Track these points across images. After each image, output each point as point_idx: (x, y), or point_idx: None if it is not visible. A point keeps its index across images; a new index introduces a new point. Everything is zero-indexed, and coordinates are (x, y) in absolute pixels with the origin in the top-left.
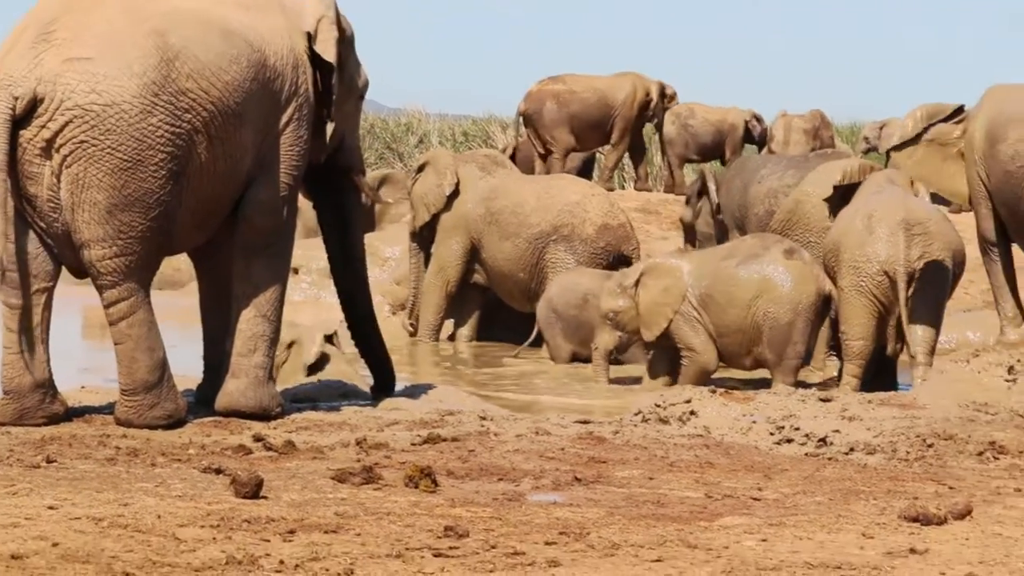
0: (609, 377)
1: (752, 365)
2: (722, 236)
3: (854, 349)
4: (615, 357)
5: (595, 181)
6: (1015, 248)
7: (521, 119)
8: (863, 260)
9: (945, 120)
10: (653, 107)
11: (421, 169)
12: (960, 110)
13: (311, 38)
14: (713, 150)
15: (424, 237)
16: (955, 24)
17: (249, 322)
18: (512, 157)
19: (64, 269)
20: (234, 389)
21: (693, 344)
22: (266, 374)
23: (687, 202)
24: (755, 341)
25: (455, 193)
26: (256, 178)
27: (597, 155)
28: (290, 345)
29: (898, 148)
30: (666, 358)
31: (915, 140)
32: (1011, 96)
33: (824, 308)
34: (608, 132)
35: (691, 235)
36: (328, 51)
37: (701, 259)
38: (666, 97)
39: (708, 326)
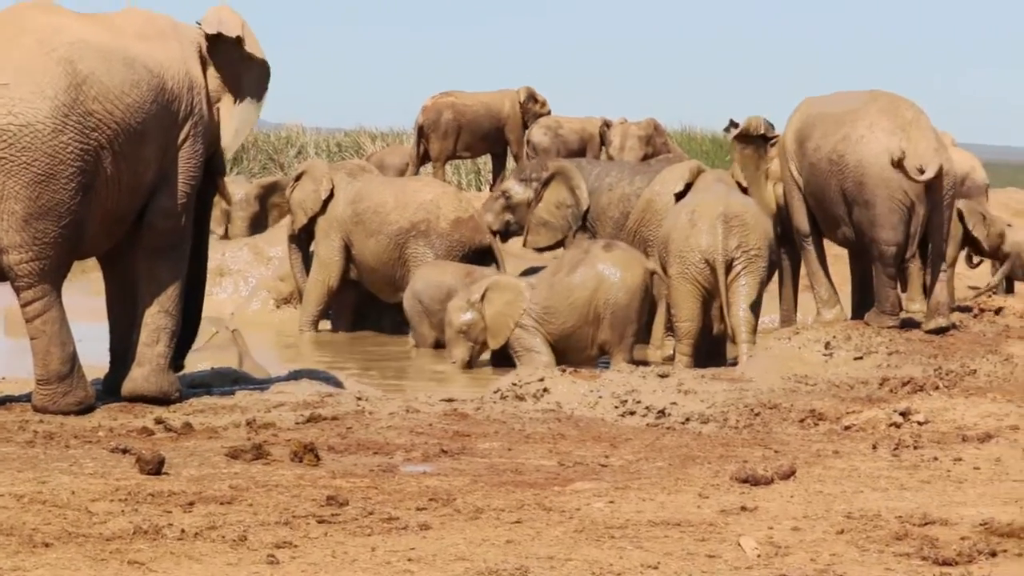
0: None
1: (596, 354)
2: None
3: (683, 330)
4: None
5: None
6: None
7: (417, 129)
8: (687, 250)
9: (772, 140)
10: (528, 114)
11: (299, 178)
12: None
13: (240, 42)
14: (578, 156)
15: (302, 238)
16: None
17: (153, 316)
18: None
19: None
20: (138, 376)
21: (533, 346)
22: (167, 362)
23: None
24: (597, 332)
25: (330, 197)
26: (158, 188)
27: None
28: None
29: (740, 139)
30: None
31: (752, 141)
32: (818, 102)
33: (651, 285)
34: (495, 141)
35: (505, 225)
36: (259, 50)
37: (535, 278)
38: (537, 102)
39: (550, 333)
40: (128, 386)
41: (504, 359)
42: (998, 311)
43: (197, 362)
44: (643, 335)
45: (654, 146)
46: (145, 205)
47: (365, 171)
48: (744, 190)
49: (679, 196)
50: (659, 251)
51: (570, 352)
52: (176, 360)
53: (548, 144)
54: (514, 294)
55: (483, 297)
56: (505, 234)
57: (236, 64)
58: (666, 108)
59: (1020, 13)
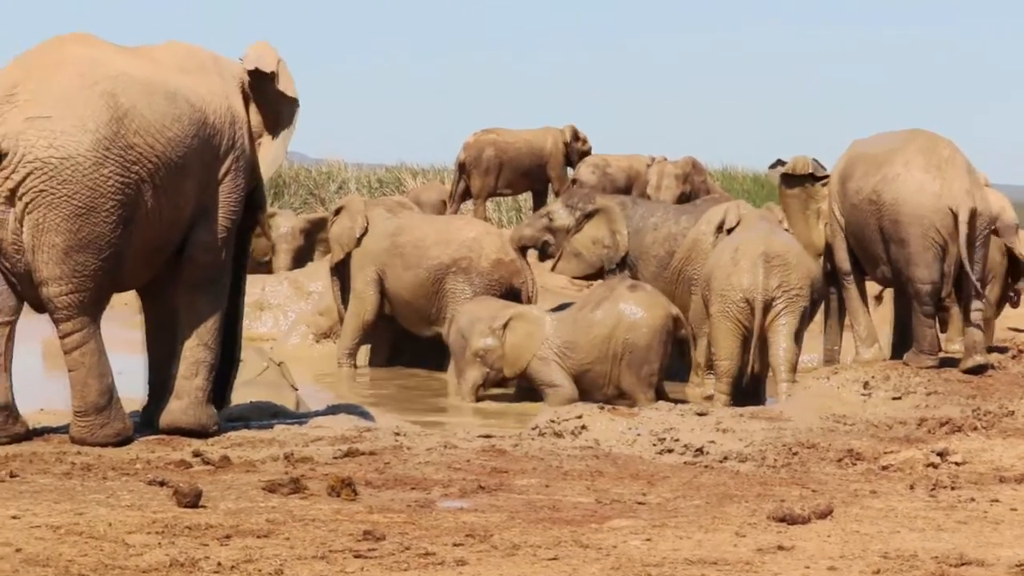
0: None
1: (612, 393)
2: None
3: (722, 368)
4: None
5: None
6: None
7: (458, 166)
8: (728, 289)
9: (820, 180)
10: (571, 152)
11: (337, 213)
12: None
13: (274, 78)
14: (624, 193)
15: (344, 273)
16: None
17: (192, 349)
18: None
19: (26, 304)
20: (176, 408)
21: (553, 379)
22: (205, 396)
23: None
24: (616, 371)
25: (365, 233)
26: (199, 221)
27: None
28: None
29: (786, 178)
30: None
31: (799, 182)
32: (862, 143)
33: (674, 328)
34: (537, 179)
35: (543, 249)
36: (292, 88)
37: (560, 313)
38: (579, 140)
39: (570, 368)
40: (166, 418)
41: (526, 393)
42: None
43: (248, 396)
44: (662, 375)
45: (692, 185)
46: (185, 238)
47: (404, 207)
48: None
49: (728, 231)
50: (701, 289)
51: (588, 389)
52: (220, 396)
53: (595, 182)
54: (536, 327)
55: (506, 325)
56: (542, 253)
57: (273, 100)
58: (708, 147)
59: None
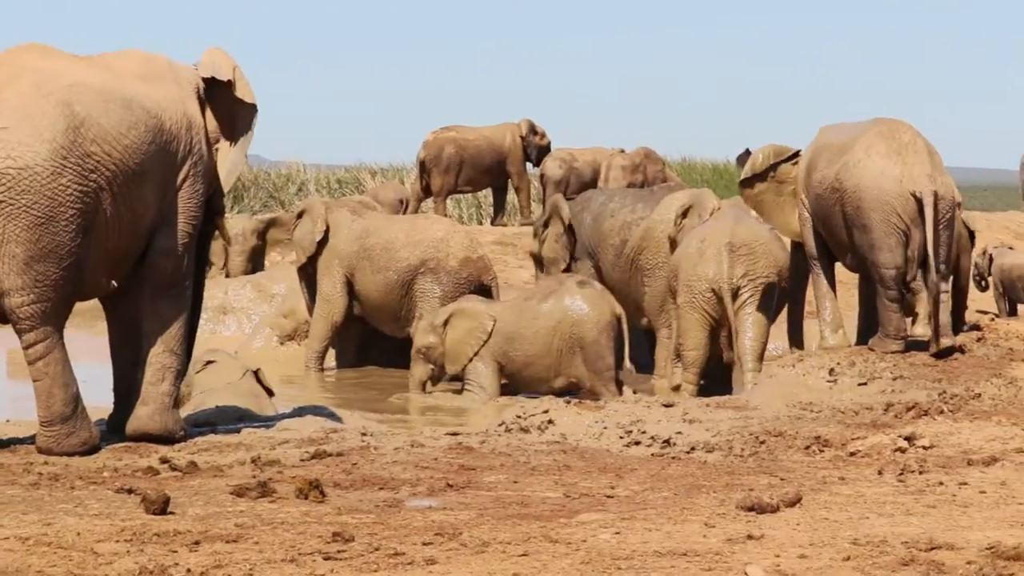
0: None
1: (563, 385)
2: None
3: (689, 359)
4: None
5: (512, 216)
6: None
7: (419, 164)
8: (694, 279)
9: (786, 160)
10: (529, 146)
11: (299, 216)
12: (797, 154)
13: (231, 85)
14: (590, 186)
15: (311, 275)
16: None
17: (158, 356)
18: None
19: None
20: (143, 414)
21: (484, 385)
22: (171, 401)
23: (535, 235)
24: (565, 365)
25: (325, 237)
26: (160, 228)
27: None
28: (208, 362)
29: (746, 183)
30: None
31: (763, 176)
32: (828, 132)
33: (619, 327)
34: (497, 175)
35: (540, 264)
36: (249, 94)
37: (505, 304)
38: (537, 134)
39: (512, 361)
40: (132, 424)
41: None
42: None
43: (225, 403)
44: (619, 369)
45: (645, 175)
46: (147, 245)
47: (367, 207)
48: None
49: (682, 215)
50: (670, 281)
51: (531, 382)
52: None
53: (562, 176)
54: (477, 323)
55: (446, 322)
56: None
57: (229, 106)
58: (667, 139)
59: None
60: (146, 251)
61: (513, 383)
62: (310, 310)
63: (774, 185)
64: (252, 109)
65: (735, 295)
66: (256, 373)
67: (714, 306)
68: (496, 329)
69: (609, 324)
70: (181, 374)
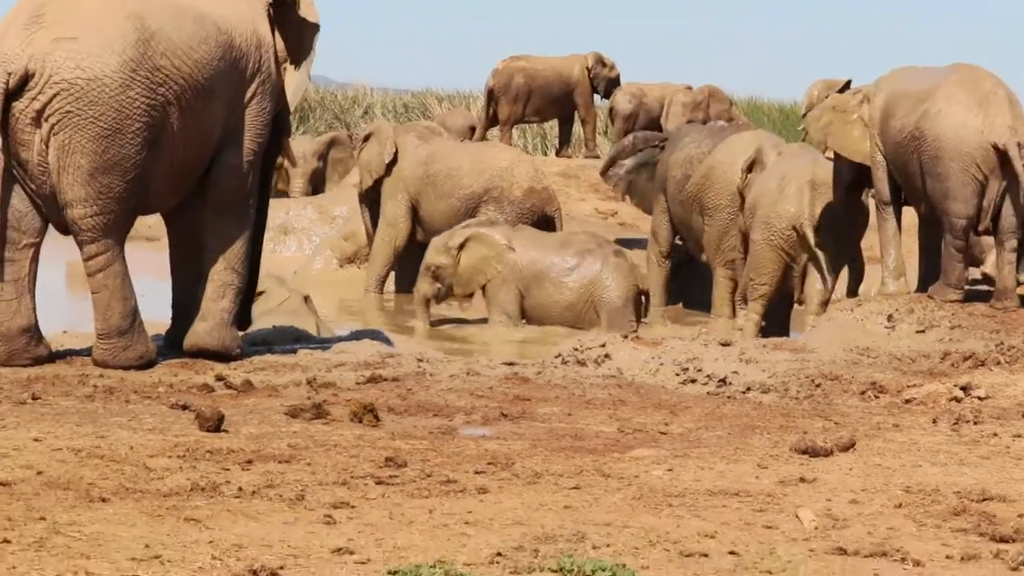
0: (429, 319)
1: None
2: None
3: (759, 291)
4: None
5: (577, 148)
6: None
7: (487, 92)
8: (774, 216)
9: (840, 91)
10: (597, 79)
11: (366, 139)
12: (848, 84)
13: (295, 4)
14: (658, 122)
15: (373, 199)
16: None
17: (219, 272)
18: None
19: (51, 226)
20: (201, 330)
21: (509, 311)
22: (231, 318)
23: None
24: (583, 320)
25: (394, 160)
26: (225, 145)
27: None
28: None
29: (809, 117)
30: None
31: (823, 108)
32: (904, 78)
33: (640, 300)
34: (564, 106)
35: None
36: (312, 13)
37: (533, 240)
38: (605, 66)
39: (529, 297)
40: (190, 339)
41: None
42: None
43: (270, 324)
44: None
45: (707, 113)
46: (211, 162)
47: (435, 133)
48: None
49: (748, 169)
50: (745, 218)
51: (553, 321)
52: (242, 319)
53: (631, 110)
54: (494, 252)
55: (462, 245)
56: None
57: (295, 25)
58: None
59: None
60: (210, 167)
61: (527, 318)
62: (370, 234)
63: (838, 115)
64: (315, 28)
65: (815, 233)
66: (305, 299)
67: (792, 244)
68: (522, 263)
69: (635, 297)
70: (241, 291)
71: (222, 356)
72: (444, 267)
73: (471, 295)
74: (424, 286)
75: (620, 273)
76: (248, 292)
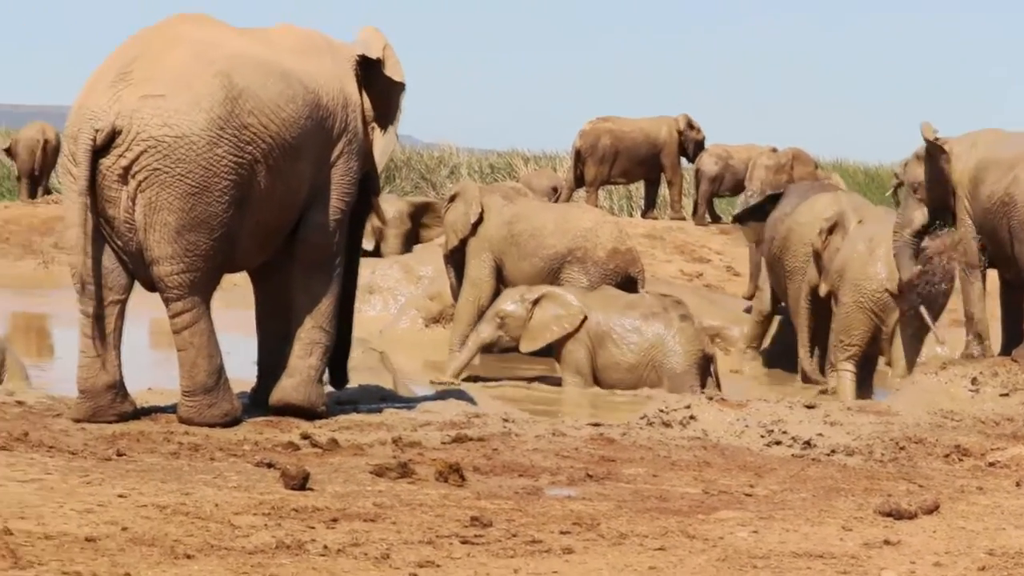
0: (469, 363)
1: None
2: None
3: (849, 352)
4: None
5: (663, 210)
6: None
7: (574, 153)
8: (863, 279)
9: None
10: (685, 141)
11: (452, 199)
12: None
13: (380, 63)
14: (742, 184)
15: (458, 259)
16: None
17: (307, 331)
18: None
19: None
20: (288, 386)
21: (580, 370)
22: (318, 375)
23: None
24: (650, 382)
25: (479, 220)
26: (314, 203)
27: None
28: None
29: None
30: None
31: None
32: (993, 143)
33: (708, 365)
34: (651, 167)
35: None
36: (398, 73)
37: (603, 301)
38: (693, 129)
39: (594, 357)
40: (277, 395)
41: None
42: None
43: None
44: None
45: (791, 176)
46: (299, 220)
47: (520, 194)
48: None
49: (829, 232)
50: (832, 281)
51: (615, 383)
52: (338, 378)
53: (717, 172)
54: (567, 313)
55: (537, 300)
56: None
57: (382, 85)
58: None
59: None
60: (298, 226)
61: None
62: (455, 293)
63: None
64: (400, 87)
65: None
66: (381, 356)
67: (883, 306)
68: (590, 323)
69: (699, 362)
70: (329, 350)
71: (308, 413)
72: (515, 318)
73: (532, 351)
74: (487, 331)
75: (684, 337)
76: (342, 351)
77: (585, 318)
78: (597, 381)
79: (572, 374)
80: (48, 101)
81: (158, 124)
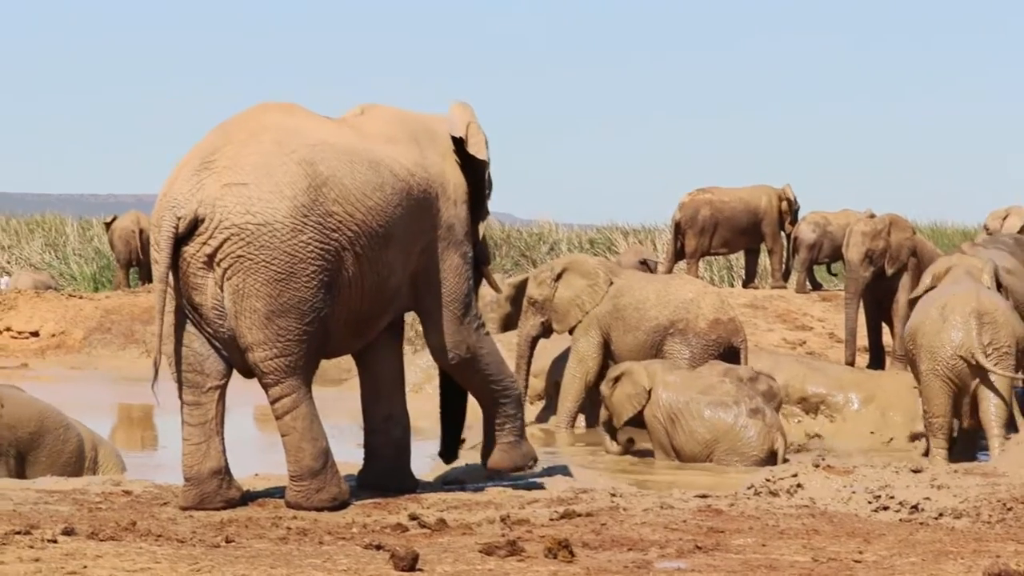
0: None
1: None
2: None
3: (936, 424)
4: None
5: (764, 279)
6: None
7: (674, 225)
8: (938, 345)
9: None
10: (785, 211)
11: (559, 276)
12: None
13: (463, 142)
14: (840, 251)
15: (535, 337)
16: None
17: (490, 407)
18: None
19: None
20: (495, 451)
21: (663, 446)
22: (520, 436)
23: None
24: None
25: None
26: (423, 296)
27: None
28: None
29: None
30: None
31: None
32: None
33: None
34: (752, 237)
35: None
36: (481, 151)
37: (677, 382)
38: (790, 201)
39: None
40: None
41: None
42: None
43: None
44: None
45: (888, 242)
46: (423, 325)
47: (622, 268)
48: (998, 286)
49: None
50: (906, 346)
51: (685, 455)
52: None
53: (815, 239)
54: (636, 391)
55: (617, 379)
56: None
57: (467, 163)
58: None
59: None
60: (424, 330)
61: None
62: (522, 372)
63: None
64: (483, 165)
65: (980, 363)
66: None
67: (959, 372)
68: (662, 401)
69: (761, 461)
70: (517, 399)
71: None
72: (604, 396)
73: (609, 424)
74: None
75: (750, 432)
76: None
77: (650, 395)
78: (678, 455)
79: (658, 449)
80: (145, 191)
81: (240, 212)
